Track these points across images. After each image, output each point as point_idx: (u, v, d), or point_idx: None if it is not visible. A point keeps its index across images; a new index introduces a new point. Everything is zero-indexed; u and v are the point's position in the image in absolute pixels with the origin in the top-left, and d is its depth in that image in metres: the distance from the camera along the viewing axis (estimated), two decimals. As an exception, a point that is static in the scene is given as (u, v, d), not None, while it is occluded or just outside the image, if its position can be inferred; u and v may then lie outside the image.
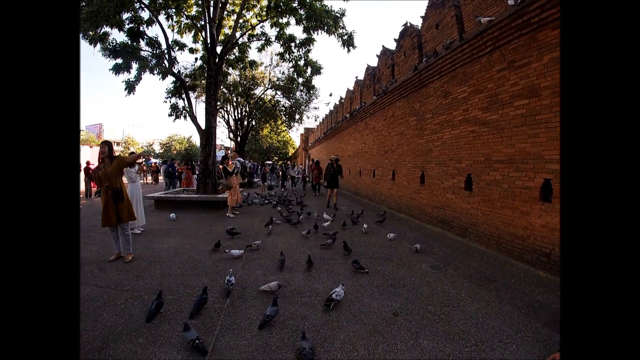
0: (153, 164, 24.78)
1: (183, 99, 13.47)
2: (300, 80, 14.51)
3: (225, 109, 23.26)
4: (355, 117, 15.02)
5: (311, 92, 14.93)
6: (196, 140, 61.52)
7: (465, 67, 6.60)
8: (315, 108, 24.03)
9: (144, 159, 21.88)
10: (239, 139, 23.32)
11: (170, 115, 13.62)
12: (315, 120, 24.68)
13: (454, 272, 4.73)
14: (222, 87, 21.01)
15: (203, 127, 12.25)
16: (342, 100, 20.18)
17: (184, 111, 13.62)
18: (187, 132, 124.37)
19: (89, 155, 17.64)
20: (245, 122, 23.19)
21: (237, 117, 23.20)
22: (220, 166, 9.94)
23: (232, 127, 23.37)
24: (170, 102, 13.79)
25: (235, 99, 22.62)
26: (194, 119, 12.71)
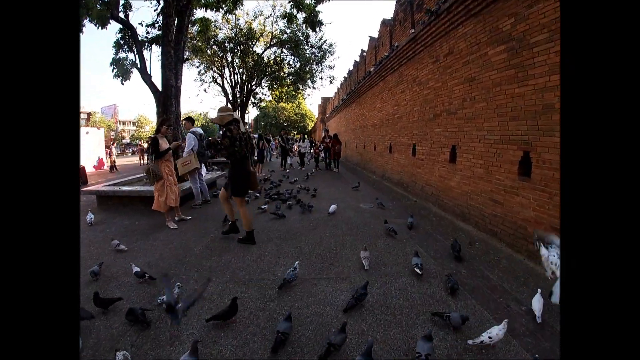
0: None
1: (134, 53, 9.44)
2: (301, 16, 10.06)
3: (219, 72, 19.19)
4: (383, 68, 10.58)
5: (317, 29, 10.41)
6: (214, 115, 59.08)
7: None
8: (331, 67, 19.56)
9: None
10: (237, 110, 19.35)
11: (116, 76, 9.65)
12: (331, 82, 20.28)
13: None
14: (213, 45, 16.90)
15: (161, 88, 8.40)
16: (364, 54, 15.64)
17: (132, 68, 9.62)
18: (206, 107, 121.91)
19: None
20: (245, 88, 19.12)
21: (234, 82, 19.10)
22: (147, 142, 6.20)
23: (230, 95, 19.33)
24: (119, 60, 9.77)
25: (230, 59, 18.45)
26: (145, 77, 8.83)
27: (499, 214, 4.72)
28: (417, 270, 3.79)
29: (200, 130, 6.99)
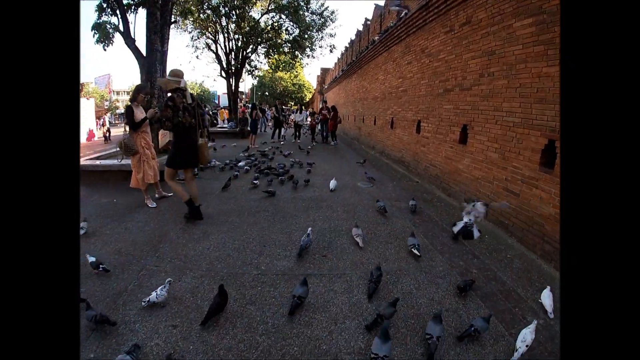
0: None
1: (117, 16, 8.54)
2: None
3: (212, 37, 18.07)
4: (389, 37, 9.76)
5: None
6: (208, 84, 57.36)
7: None
8: (332, 35, 18.47)
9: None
10: (232, 79, 18.40)
11: (97, 42, 8.80)
12: (331, 51, 19.24)
13: None
14: (206, 9, 15.75)
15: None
16: (368, 22, 14.64)
17: (115, 32, 8.77)
18: (199, 76, 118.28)
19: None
20: (240, 55, 18.08)
21: (228, 49, 18.02)
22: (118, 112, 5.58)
23: (224, 62, 18.29)
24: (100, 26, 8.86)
25: (225, 24, 17.31)
26: (128, 41, 8.06)
27: (512, 205, 4.24)
28: (415, 251, 3.66)
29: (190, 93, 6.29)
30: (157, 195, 5.40)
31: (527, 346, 2.22)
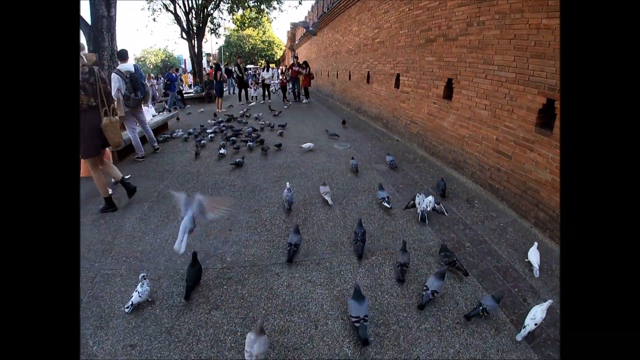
0: None
1: None
2: None
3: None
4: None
5: None
6: (171, 48, 54.35)
7: None
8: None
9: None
10: (194, 40, 16.82)
11: None
12: (300, 2, 17.90)
13: None
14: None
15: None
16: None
17: None
18: (163, 42, 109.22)
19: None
20: (202, 14, 16.42)
21: (188, 7, 16.27)
22: None
23: (184, 23, 16.57)
24: None
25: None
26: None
27: (504, 168, 3.88)
28: (386, 204, 3.69)
29: (128, 67, 5.40)
30: (112, 181, 4.74)
31: (535, 324, 2.07)
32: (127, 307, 2.35)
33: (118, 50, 5.94)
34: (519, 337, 2.11)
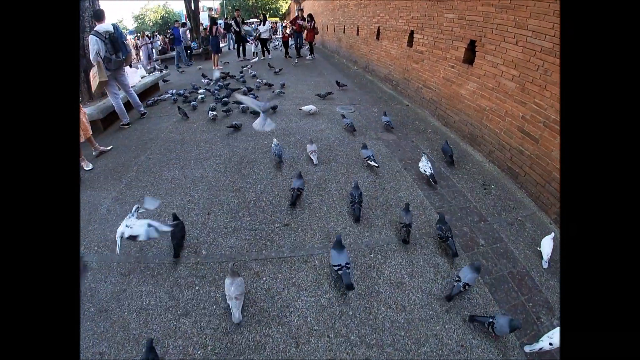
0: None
1: None
2: None
3: None
4: None
5: None
6: (171, 4, 51.33)
7: None
8: None
9: None
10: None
11: None
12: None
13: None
14: None
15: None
16: None
17: None
18: None
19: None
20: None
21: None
22: None
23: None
24: None
25: None
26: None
27: (528, 152, 3.40)
28: (372, 163, 3.65)
29: (107, 27, 4.77)
30: (94, 153, 4.35)
31: (550, 345, 1.88)
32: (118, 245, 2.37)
33: (94, 10, 5.24)
34: (527, 349, 1.95)
